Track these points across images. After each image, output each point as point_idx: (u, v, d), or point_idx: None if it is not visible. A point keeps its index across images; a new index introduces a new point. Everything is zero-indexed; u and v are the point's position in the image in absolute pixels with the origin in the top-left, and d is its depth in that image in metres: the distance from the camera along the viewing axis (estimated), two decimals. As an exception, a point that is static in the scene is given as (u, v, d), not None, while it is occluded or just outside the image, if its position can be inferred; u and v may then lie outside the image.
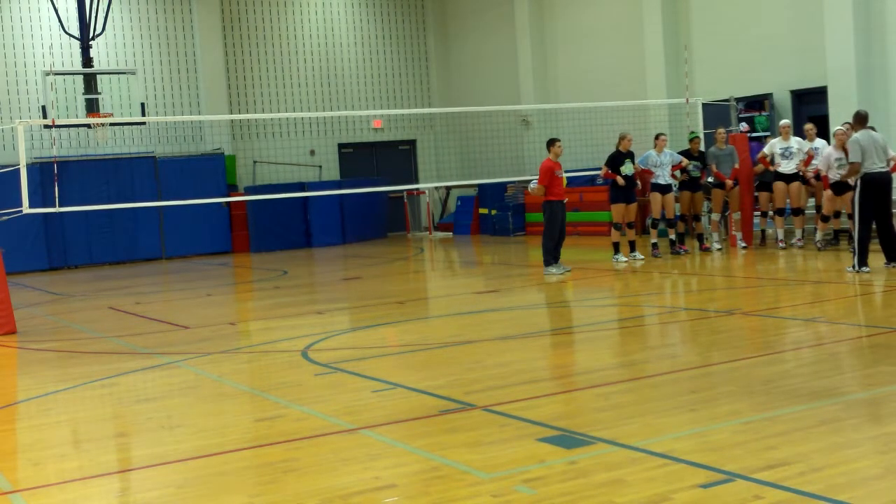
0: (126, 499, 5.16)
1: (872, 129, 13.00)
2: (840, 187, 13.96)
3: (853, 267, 11.73)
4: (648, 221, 19.30)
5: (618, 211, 14.97)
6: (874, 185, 11.61)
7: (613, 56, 21.87)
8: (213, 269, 19.89)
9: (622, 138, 14.99)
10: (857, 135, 12.01)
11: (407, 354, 8.76)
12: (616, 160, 14.87)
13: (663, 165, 15.18)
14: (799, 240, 15.04)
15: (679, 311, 10.50)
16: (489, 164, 23.94)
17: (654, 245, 15.42)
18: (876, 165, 11.72)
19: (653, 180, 15.23)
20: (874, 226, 11.93)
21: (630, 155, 14.94)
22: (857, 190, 11.70)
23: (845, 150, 13.67)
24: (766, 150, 15.33)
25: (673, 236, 15.48)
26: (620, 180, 14.79)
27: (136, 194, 21.36)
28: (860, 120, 12.23)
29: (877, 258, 12.25)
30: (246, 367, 8.84)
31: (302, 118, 24.87)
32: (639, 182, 15.60)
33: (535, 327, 9.96)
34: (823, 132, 15.70)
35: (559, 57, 23.67)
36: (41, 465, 5.78)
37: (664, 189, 15.22)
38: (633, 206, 15.10)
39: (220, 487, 5.09)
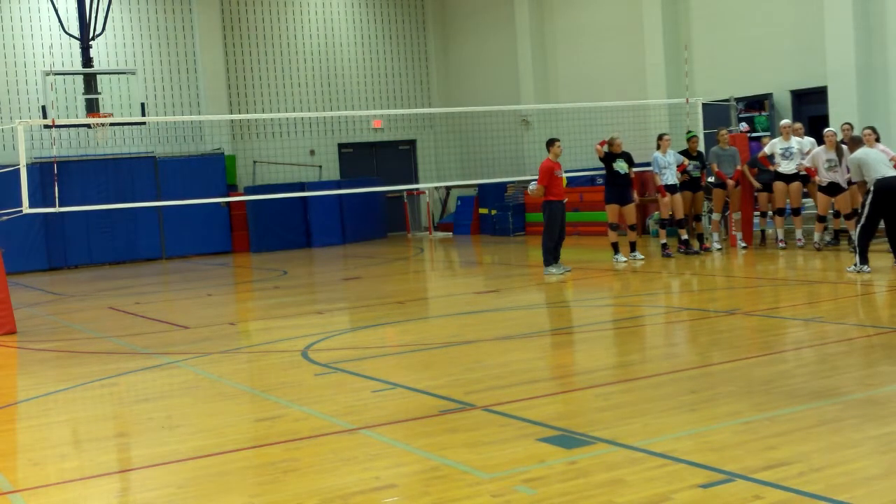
0: (126, 499, 5.16)
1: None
2: (833, 188, 13.99)
3: (855, 266, 11.74)
4: (649, 222, 19.29)
5: (612, 211, 14.90)
6: (887, 190, 11.67)
7: (613, 56, 21.86)
8: (213, 269, 19.89)
9: (611, 143, 14.83)
10: (855, 153, 12.15)
11: (407, 354, 8.76)
12: (609, 159, 14.76)
13: (670, 165, 15.17)
14: (799, 240, 15.04)
15: (679, 311, 10.50)
16: (489, 164, 23.91)
17: (664, 245, 15.37)
18: (886, 171, 11.79)
19: (661, 181, 15.16)
20: (884, 228, 12.04)
21: (623, 155, 14.82)
22: (870, 195, 11.76)
23: (837, 152, 13.76)
24: (766, 149, 15.33)
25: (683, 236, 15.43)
26: (623, 167, 14.69)
27: (136, 194, 21.37)
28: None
29: (882, 259, 12.27)
30: (246, 367, 8.84)
31: (302, 118, 24.87)
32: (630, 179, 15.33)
33: (535, 327, 9.95)
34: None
35: (559, 57, 23.67)
36: (41, 465, 5.78)
37: (672, 189, 15.20)
38: (630, 206, 14.91)
39: (220, 487, 5.09)
